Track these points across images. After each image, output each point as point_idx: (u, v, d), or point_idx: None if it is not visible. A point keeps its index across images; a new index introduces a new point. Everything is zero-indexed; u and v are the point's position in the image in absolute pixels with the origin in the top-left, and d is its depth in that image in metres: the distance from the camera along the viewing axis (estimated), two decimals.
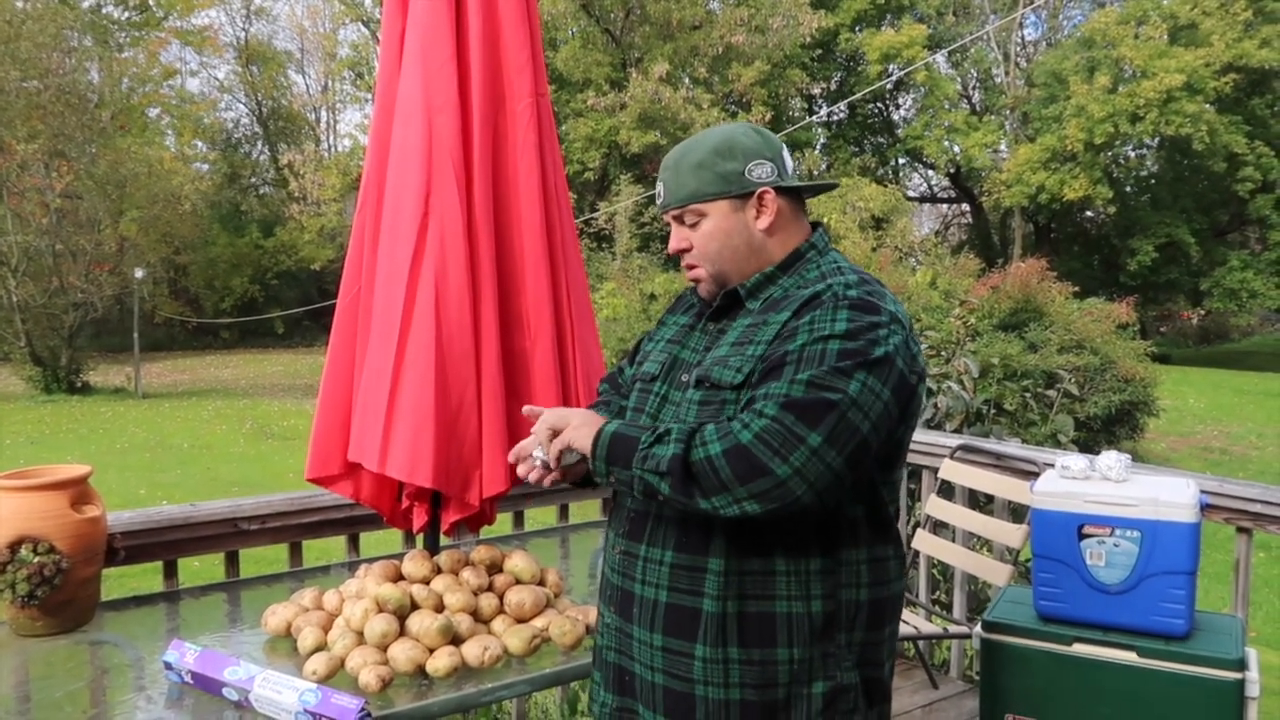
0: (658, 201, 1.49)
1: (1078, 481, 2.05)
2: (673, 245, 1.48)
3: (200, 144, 29.44)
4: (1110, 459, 2.06)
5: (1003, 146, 23.71)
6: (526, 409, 1.48)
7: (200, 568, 4.88)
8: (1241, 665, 1.84)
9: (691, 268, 1.45)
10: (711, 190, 1.40)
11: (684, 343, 1.49)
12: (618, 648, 1.43)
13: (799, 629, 1.30)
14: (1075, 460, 2.11)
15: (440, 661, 1.64)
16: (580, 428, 1.37)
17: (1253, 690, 1.84)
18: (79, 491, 1.91)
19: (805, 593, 1.30)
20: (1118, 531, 1.95)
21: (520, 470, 1.44)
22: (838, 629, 1.32)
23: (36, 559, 1.79)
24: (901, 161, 28.23)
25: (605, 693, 1.46)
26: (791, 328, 1.31)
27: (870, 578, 1.35)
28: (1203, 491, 2.05)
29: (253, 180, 30.83)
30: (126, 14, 25.26)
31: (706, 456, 1.23)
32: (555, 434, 1.39)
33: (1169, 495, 1.94)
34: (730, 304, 1.45)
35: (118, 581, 3.64)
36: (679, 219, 1.44)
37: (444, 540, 2.13)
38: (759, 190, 1.40)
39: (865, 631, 1.35)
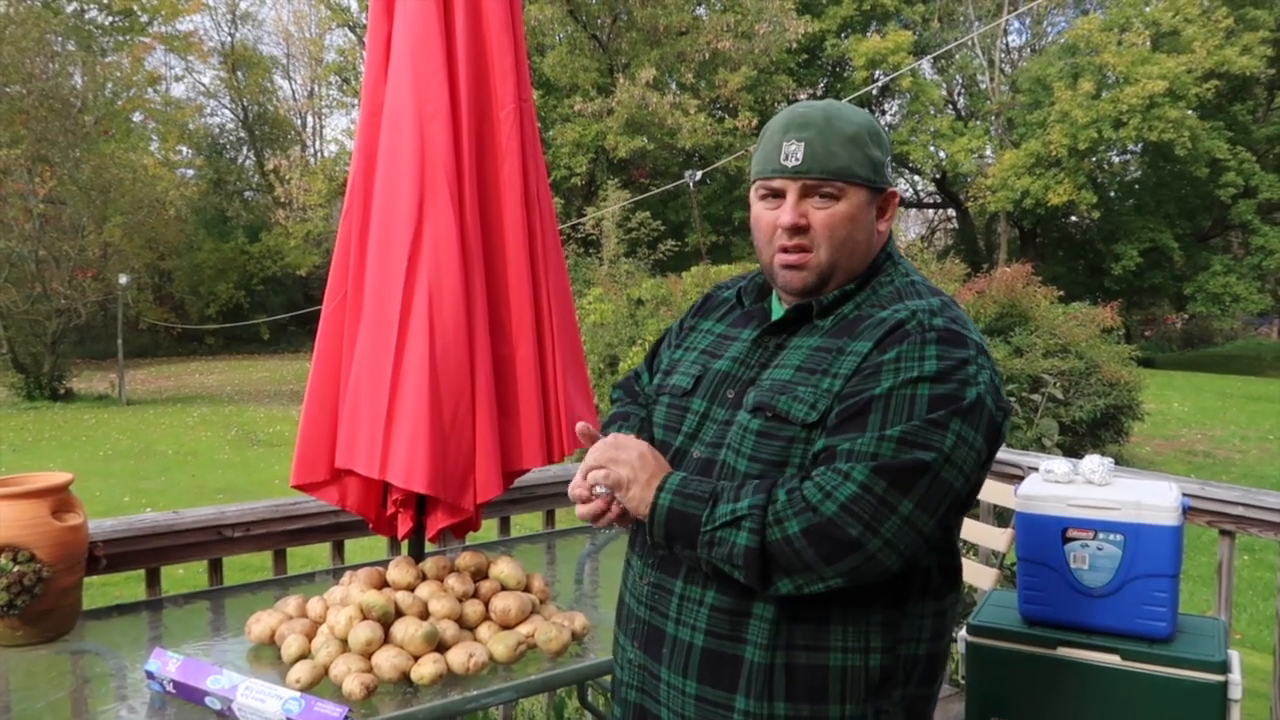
0: (784, 161, 1.23)
1: (1061, 485, 2.07)
2: (789, 218, 1.23)
3: (185, 149, 29.29)
4: (1093, 462, 2.08)
5: (988, 152, 23.88)
6: (581, 426, 1.33)
7: (185, 575, 4.84)
8: (1224, 667, 1.85)
9: (800, 249, 1.24)
10: (861, 174, 1.23)
11: (725, 355, 1.32)
12: (640, 686, 1.31)
13: (854, 684, 1.19)
14: (1059, 464, 2.13)
15: (425, 669, 1.63)
16: (634, 486, 1.20)
17: (1235, 692, 1.85)
18: (60, 499, 1.89)
19: (864, 645, 1.19)
20: (1101, 535, 1.96)
21: (582, 511, 1.27)
22: (895, 685, 1.21)
23: (16, 568, 1.77)
24: None
25: None
26: (875, 364, 1.16)
27: (933, 631, 1.24)
28: (1185, 495, 2.07)
29: (238, 186, 30.67)
30: (110, 19, 25.09)
31: (785, 537, 1.10)
32: (598, 469, 1.24)
33: (1152, 498, 1.95)
34: (797, 318, 1.28)
35: (100, 590, 3.61)
36: (810, 190, 1.23)
37: (429, 547, 2.12)
38: (889, 190, 1.27)
39: (919, 686, 1.25)
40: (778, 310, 1.34)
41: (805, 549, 1.10)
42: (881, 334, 1.19)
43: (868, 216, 1.26)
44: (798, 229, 1.24)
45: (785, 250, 1.25)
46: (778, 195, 1.26)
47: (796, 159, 1.22)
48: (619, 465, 1.23)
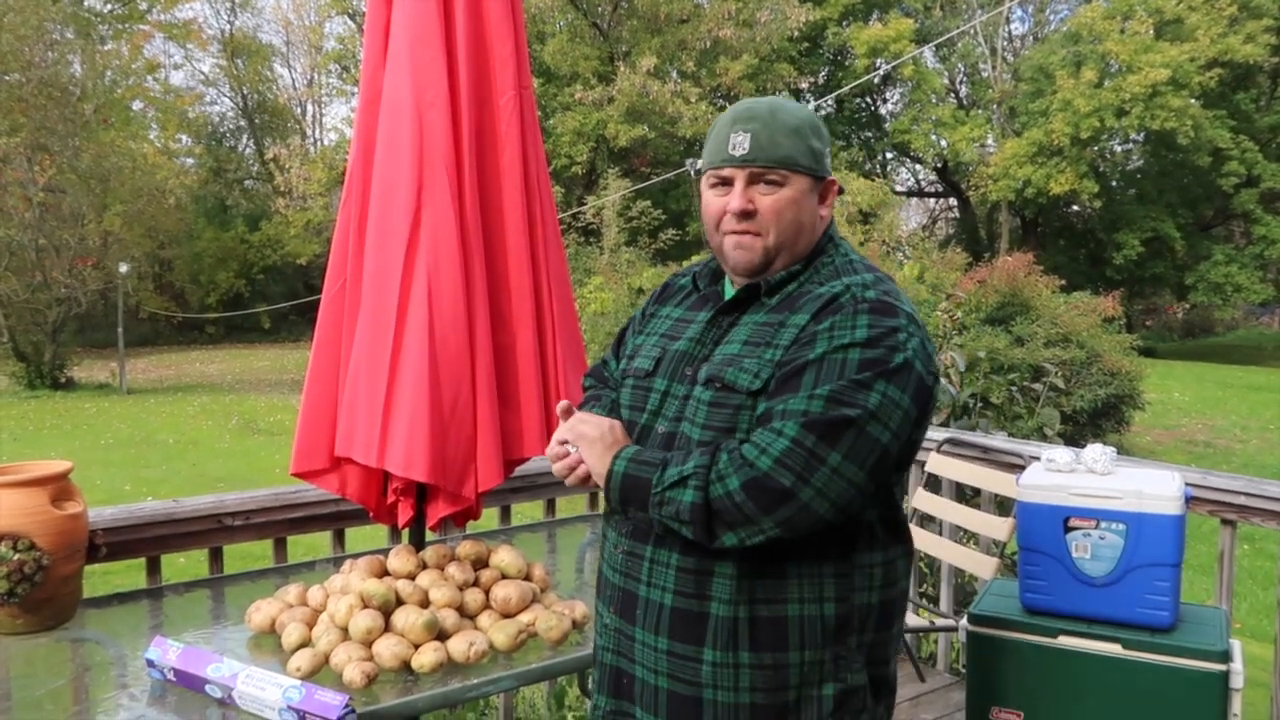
0: (732, 150, 1.33)
1: (1063, 474, 2.06)
2: (738, 203, 1.33)
3: (185, 138, 29.20)
4: (1095, 452, 2.07)
5: (990, 141, 23.80)
6: (561, 404, 1.45)
7: (185, 564, 4.85)
8: (1226, 657, 1.85)
9: (747, 233, 1.34)
10: (804, 162, 1.33)
11: (683, 336, 1.42)
12: (616, 649, 1.39)
13: (811, 632, 1.28)
14: (1060, 453, 2.12)
15: (425, 657, 1.63)
16: (592, 453, 1.34)
17: (1236, 681, 1.85)
18: (60, 488, 1.89)
19: (819, 596, 1.29)
20: (1103, 524, 1.96)
21: (557, 466, 1.40)
22: (850, 631, 1.31)
23: (17, 556, 1.77)
24: (889, 156, 28.31)
25: (600, 695, 1.43)
26: (810, 333, 1.27)
27: (883, 579, 1.33)
28: (1187, 484, 2.06)
29: (238, 174, 30.59)
30: (109, 6, 25.00)
31: (727, 492, 1.21)
32: (564, 445, 1.38)
33: (1153, 488, 1.95)
34: (747, 297, 1.38)
35: (101, 579, 3.62)
36: (756, 178, 1.33)
37: (430, 535, 2.12)
38: (829, 179, 1.38)
39: (875, 632, 1.34)
40: (730, 292, 1.43)
41: (745, 502, 1.21)
42: (818, 307, 1.30)
43: (810, 202, 1.36)
44: (745, 214, 1.34)
45: (734, 233, 1.35)
46: (726, 183, 1.36)
47: (744, 148, 1.33)
48: (583, 439, 1.36)
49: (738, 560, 1.28)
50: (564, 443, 1.39)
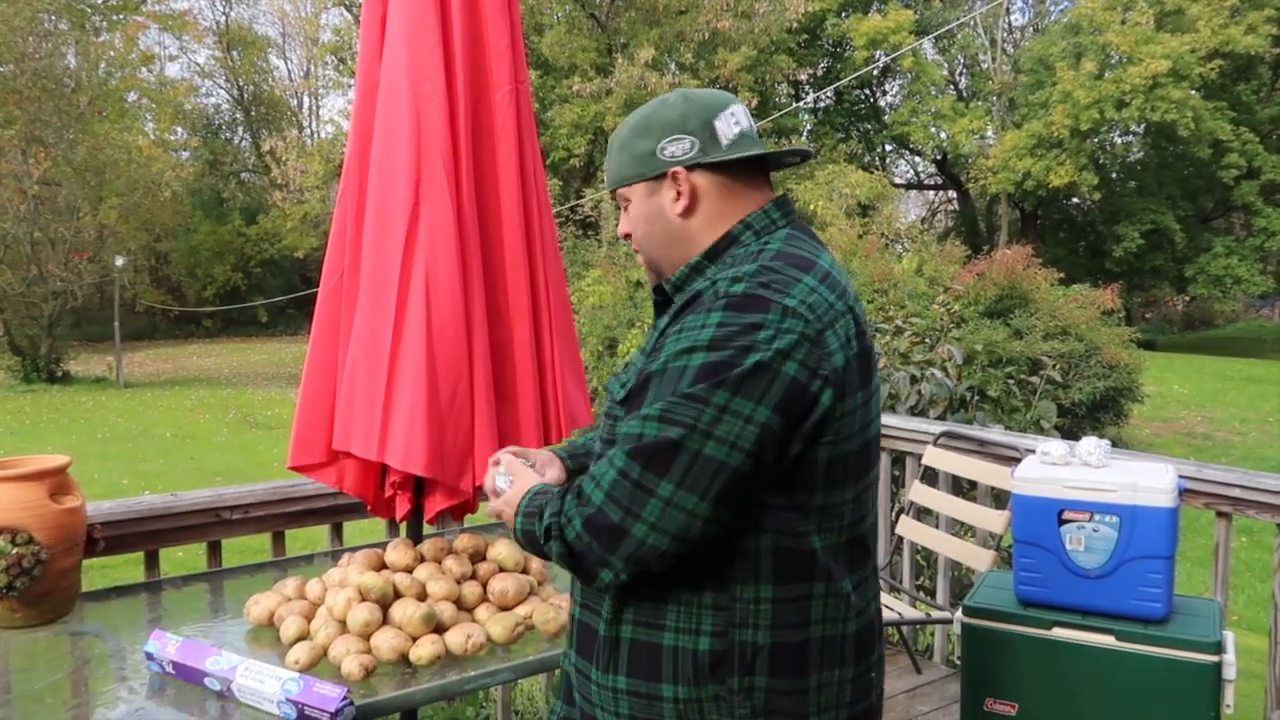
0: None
1: (1058, 467, 2.07)
2: (620, 229, 1.38)
3: (180, 130, 29.10)
4: (1089, 445, 2.08)
5: (989, 133, 23.75)
6: (492, 458, 1.41)
7: (184, 558, 4.85)
8: (1218, 648, 1.86)
9: (638, 251, 1.34)
10: (628, 173, 1.29)
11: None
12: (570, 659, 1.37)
13: (684, 666, 1.16)
14: (1055, 446, 2.13)
15: (423, 650, 1.64)
16: (509, 510, 1.30)
17: (1229, 673, 1.86)
18: (58, 482, 1.89)
19: (694, 627, 1.16)
20: (1097, 516, 1.97)
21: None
22: (729, 672, 1.15)
23: (15, 550, 1.77)
24: (888, 148, 28.24)
25: (556, 700, 1.41)
26: (664, 337, 1.17)
27: (774, 619, 1.16)
28: (1182, 477, 2.07)
29: (234, 167, 30.54)
30: None
31: (576, 535, 1.14)
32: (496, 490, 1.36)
33: (1147, 480, 1.96)
34: (664, 300, 1.31)
35: (100, 573, 3.62)
36: (619, 202, 1.34)
37: (427, 529, 2.12)
38: (670, 170, 1.25)
39: (772, 678, 1.16)
40: None
41: (591, 542, 1.13)
42: (681, 306, 1.21)
43: (655, 206, 1.29)
44: (627, 236, 1.35)
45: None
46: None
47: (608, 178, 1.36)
48: (507, 504, 1.32)
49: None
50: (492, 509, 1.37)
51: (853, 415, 1.15)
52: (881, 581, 3.03)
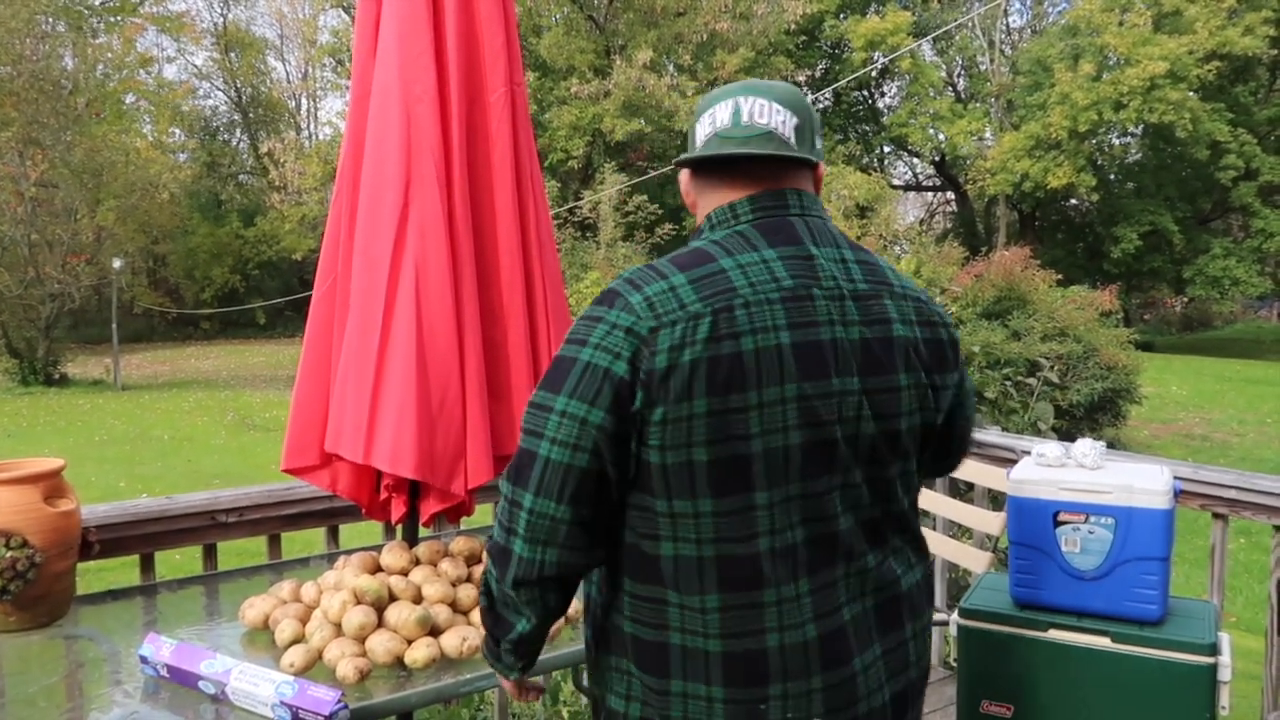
0: None
1: (1053, 469, 2.07)
2: None
3: (178, 132, 29.11)
4: (1085, 446, 2.08)
5: (988, 134, 23.78)
6: None
7: (180, 561, 4.85)
8: (1214, 650, 1.86)
9: None
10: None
11: None
12: None
13: (604, 639, 1.25)
14: (1051, 448, 2.13)
15: (418, 653, 1.64)
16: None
17: (1224, 674, 1.86)
18: (52, 485, 1.88)
19: (627, 616, 1.21)
20: (1092, 518, 1.97)
21: None
22: (609, 652, 1.22)
23: (9, 553, 1.77)
24: (886, 149, 28.28)
25: None
26: None
27: (632, 612, 1.17)
28: (1178, 478, 2.07)
29: (232, 169, 30.54)
30: None
31: (484, 573, 1.21)
32: None
33: (1143, 482, 1.96)
34: None
35: (96, 576, 3.62)
36: None
37: (423, 531, 2.12)
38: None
39: (642, 673, 1.17)
40: None
41: (490, 569, 1.19)
42: None
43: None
44: None
45: None
46: None
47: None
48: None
49: (598, 571, 1.25)
50: None
51: (687, 422, 1.06)
52: None
